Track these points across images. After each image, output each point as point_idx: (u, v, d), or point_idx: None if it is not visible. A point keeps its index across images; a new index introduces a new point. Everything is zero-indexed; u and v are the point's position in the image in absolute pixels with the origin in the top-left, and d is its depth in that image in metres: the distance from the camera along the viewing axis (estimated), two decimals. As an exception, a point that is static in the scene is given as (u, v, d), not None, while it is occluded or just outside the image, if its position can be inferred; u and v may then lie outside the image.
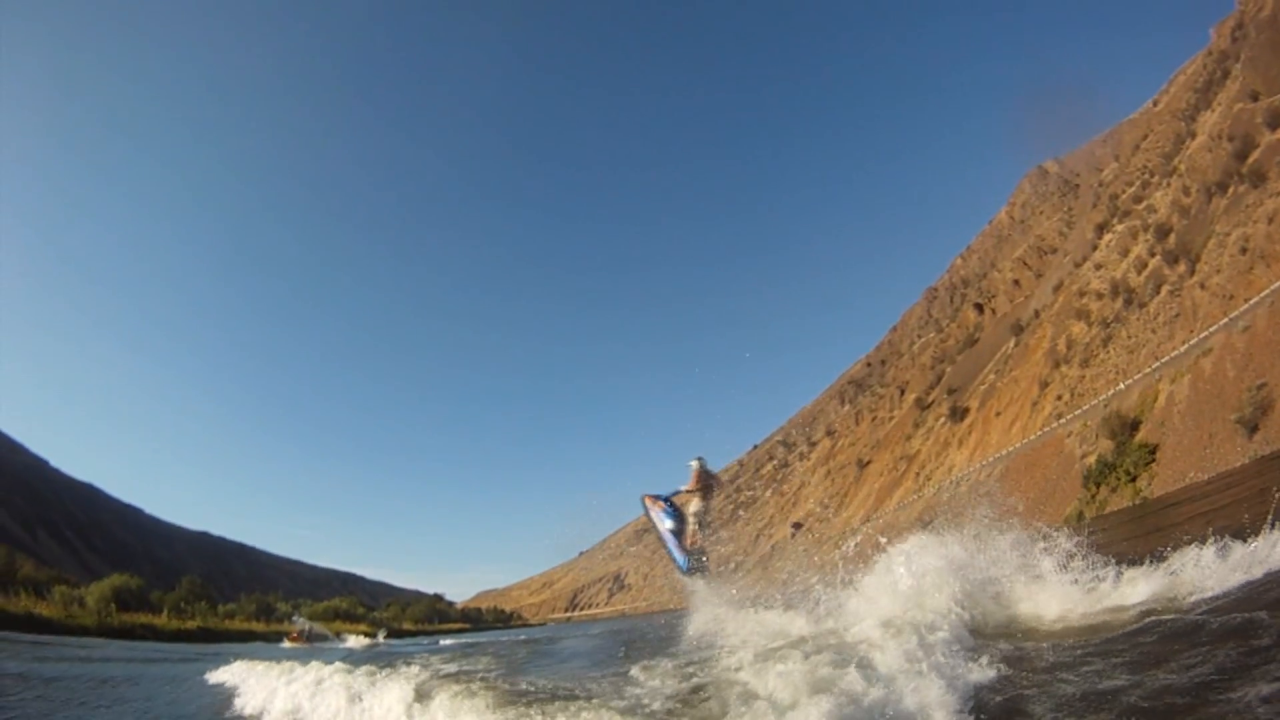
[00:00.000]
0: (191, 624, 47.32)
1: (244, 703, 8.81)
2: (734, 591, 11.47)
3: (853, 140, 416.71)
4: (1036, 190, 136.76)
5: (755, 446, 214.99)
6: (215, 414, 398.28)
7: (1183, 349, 45.99)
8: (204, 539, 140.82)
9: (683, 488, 12.20)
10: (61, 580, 44.86)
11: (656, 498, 12.59)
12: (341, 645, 44.83)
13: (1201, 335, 44.48)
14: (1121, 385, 52.93)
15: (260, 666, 10.80)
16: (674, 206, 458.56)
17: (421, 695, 6.70)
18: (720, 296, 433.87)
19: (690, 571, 11.78)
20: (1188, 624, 5.39)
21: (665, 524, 12.26)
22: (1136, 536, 19.49)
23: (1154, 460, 39.19)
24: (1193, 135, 73.93)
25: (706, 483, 12.20)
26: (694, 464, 12.21)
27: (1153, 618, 5.90)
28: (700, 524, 11.94)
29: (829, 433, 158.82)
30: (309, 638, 48.27)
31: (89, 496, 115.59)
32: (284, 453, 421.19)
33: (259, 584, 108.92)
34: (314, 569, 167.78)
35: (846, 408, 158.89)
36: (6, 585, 37.83)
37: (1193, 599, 6.23)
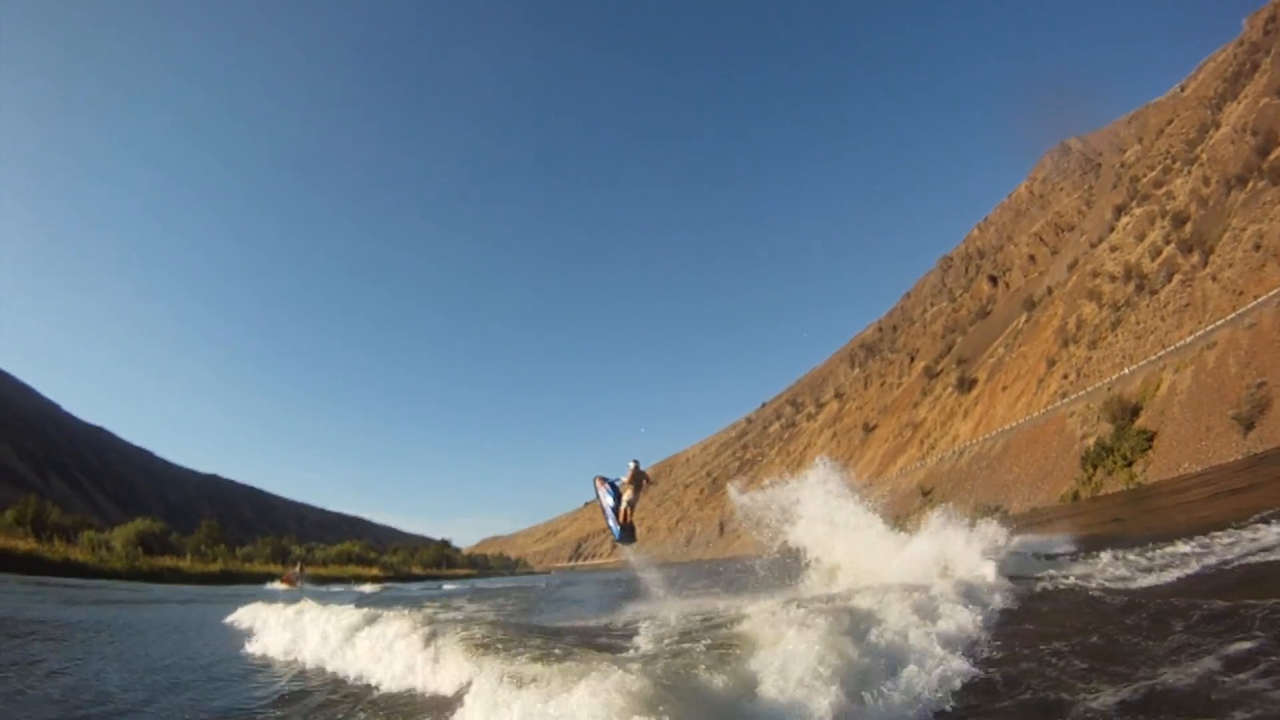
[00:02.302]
0: (214, 567, 49.00)
1: (310, 643, 9.43)
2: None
3: (879, 107, 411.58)
4: (1058, 166, 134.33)
5: (763, 405, 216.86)
6: (224, 357, 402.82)
7: (1189, 340, 46.31)
8: (213, 481, 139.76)
9: (623, 479, 15.29)
10: (86, 525, 46.38)
11: (604, 479, 15.67)
12: (355, 590, 47.03)
13: (1208, 328, 44.79)
14: (1126, 370, 53.42)
15: (310, 608, 11.61)
16: (704, 171, 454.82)
17: (437, 638, 7.27)
18: (739, 258, 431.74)
19: (622, 539, 15.24)
20: (1084, 603, 7.13)
21: (608, 500, 15.47)
22: (1103, 524, 20.76)
23: (1151, 448, 39.87)
24: (1217, 125, 73.08)
25: (638, 479, 15.29)
26: (631, 464, 15.27)
27: (1064, 596, 7.64)
28: (630, 506, 15.16)
29: (837, 395, 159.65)
30: (299, 580, 50.38)
31: (100, 440, 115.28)
32: (292, 395, 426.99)
33: (268, 526, 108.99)
34: (321, 512, 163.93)
35: (856, 371, 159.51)
36: (38, 532, 39.07)
37: (1101, 588, 7.72)
